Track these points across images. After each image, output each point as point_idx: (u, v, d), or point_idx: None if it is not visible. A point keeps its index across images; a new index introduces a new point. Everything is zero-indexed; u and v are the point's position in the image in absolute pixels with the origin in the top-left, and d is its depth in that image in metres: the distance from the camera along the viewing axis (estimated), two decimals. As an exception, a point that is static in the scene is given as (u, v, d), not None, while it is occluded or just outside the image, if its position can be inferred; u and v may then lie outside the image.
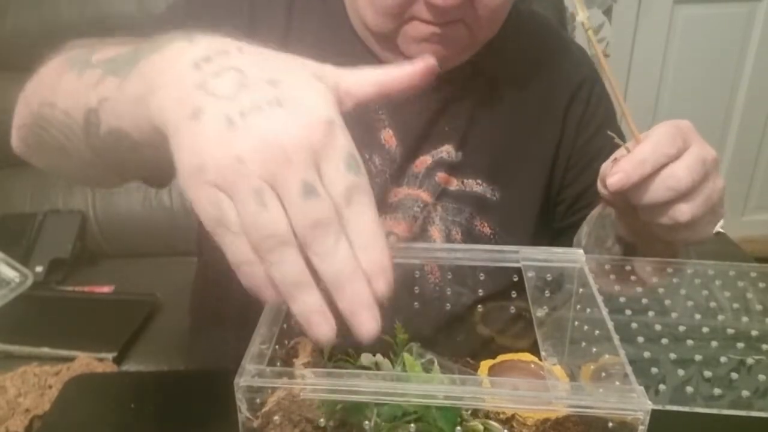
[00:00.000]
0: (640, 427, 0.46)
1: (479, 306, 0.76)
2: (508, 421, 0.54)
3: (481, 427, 0.53)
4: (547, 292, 0.62)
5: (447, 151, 0.88)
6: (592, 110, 0.94)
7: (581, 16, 0.66)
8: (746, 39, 2.22)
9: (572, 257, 0.63)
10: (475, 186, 0.88)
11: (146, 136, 0.48)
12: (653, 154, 0.63)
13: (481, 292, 0.74)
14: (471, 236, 0.87)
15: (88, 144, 0.57)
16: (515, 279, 0.64)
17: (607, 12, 2.10)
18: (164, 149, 0.44)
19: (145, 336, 1.29)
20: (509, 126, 0.90)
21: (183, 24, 0.64)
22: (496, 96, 0.90)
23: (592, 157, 0.92)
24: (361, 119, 0.85)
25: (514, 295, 0.67)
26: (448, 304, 0.79)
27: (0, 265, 1.35)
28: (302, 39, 0.86)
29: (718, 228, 1.24)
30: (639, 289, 0.70)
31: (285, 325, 0.58)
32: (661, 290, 0.71)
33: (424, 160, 0.87)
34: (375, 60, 0.86)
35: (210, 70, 0.44)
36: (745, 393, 0.62)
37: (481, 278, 0.72)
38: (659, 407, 0.51)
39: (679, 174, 0.62)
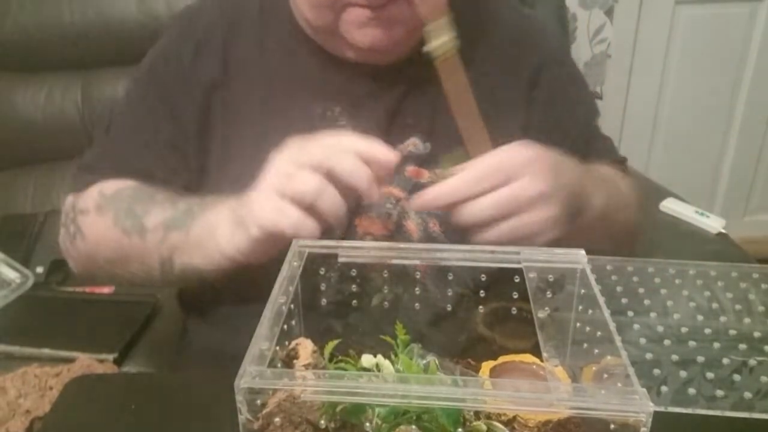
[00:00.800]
0: (642, 429, 0.46)
1: (481, 307, 0.76)
2: (509, 423, 0.54)
3: (484, 427, 0.52)
4: (548, 293, 0.62)
5: (414, 144, 0.88)
6: (557, 90, 0.94)
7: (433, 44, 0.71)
8: (748, 39, 2.21)
9: (574, 258, 0.63)
10: (448, 176, 0.88)
11: (214, 261, 0.75)
12: (457, 192, 0.70)
13: (482, 293, 0.74)
14: (449, 225, 0.86)
15: (163, 280, 0.82)
16: (516, 280, 0.64)
17: (609, 12, 2.09)
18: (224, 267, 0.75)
19: (145, 337, 1.28)
20: None
21: (148, 95, 0.90)
22: None
23: (561, 136, 0.92)
24: (323, 128, 0.84)
25: (515, 296, 0.67)
26: (449, 305, 0.79)
27: (0, 265, 1.35)
28: (245, 55, 0.89)
29: (720, 229, 1.24)
30: (641, 290, 0.70)
31: (285, 326, 0.57)
32: (663, 291, 0.71)
33: None
34: (326, 57, 0.87)
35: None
36: (748, 395, 0.62)
37: (483, 279, 0.72)
38: (661, 409, 0.51)
39: (478, 209, 0.70)
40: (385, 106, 0.88)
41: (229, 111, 0.88)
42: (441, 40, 0.73)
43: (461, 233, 0.85)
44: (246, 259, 0.73)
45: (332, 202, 0.66)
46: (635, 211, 0.94)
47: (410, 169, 0.87)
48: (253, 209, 0.68)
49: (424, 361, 0.60)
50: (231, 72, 0.88)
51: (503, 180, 0.69)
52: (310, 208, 0.66)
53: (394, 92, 0.88)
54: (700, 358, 0.65)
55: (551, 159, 0.74)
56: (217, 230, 0.73)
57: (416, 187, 0.86)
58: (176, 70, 0.89)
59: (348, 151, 0.67)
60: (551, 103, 0.94)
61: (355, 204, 0.85)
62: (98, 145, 0.95)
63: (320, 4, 0.79)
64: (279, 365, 0.58)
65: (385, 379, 0.52)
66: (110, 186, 0.87)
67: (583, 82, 1.01)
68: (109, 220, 0.84)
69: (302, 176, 0.66)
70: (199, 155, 0.88)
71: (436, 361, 0.63)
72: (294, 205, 0.66)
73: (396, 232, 0.87)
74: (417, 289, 0.74)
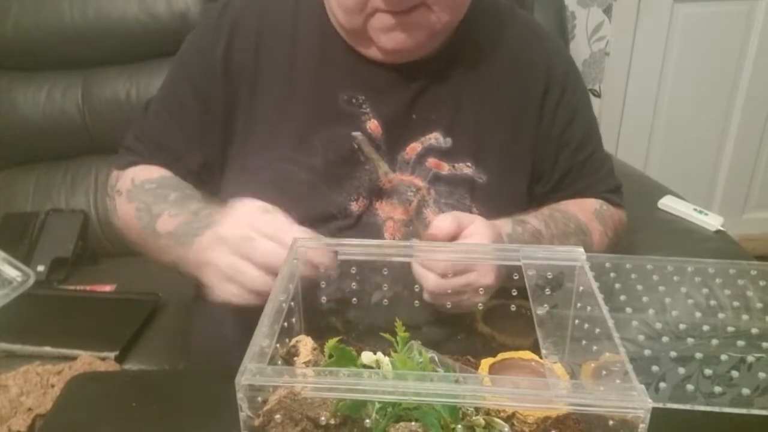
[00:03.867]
0: (641, 425, 0.46)
1: (480, 304, 0.76)
2: (508, 420, 0.54)
3: (482, 422, 0.53)
4: (547, 290, 0.63)
5: (435, 138, 0.93)
6: (566, 99, 0.98)
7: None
8: (746, 37, 2.21)
9: (572, 255, 0.63)
10: (465, 169, 0.93)
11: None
12: (441, 285, 0.74)
13: (481, 291, 0.74)
14: None
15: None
16: (515, 277, 0.65)
17: (607, 10, 2.09)
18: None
19: (146, 335, 1.28)
20: (491, 112, 0.95)
21: (187, 84, 0.97)
22: (476, 84, 0.95)
23: (565, 143, 0.98)
24: (347, 113, 0.91)
25: (514, 293, 0.68)
26: (448, 303, 0.79)
27: (2, 264, 1.35)
28: (276, 46, 0.94)
29: (718, 226, 1.24)
30: (640, 287, 0.71)
31: (286, 324, 0.58)
32: (661, 288, 0.71)
33: (414, 147, 0.92)
34: (355, 54, 0.92)
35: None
36: (746, 391, 0.62)
37: (482, 277, 0.73)
38: (660, 405, 0.51)
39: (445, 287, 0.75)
40: (406, 98, 0.92)
41: (255, 95, 0.93)
42: None
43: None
44: None
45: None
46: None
47: (431, 161, 0.92)
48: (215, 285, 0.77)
49: (421, 360, 0.60)
50: (261, 61, 0.93)
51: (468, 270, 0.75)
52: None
53: (415, 85, 0.93)
54: (699, 355, 0.66)
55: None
56: (205, 272, 0.80)
57: (436, 178, 0.92)
58: (207, 59, 0.94)
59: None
60: (560, 110, 0.98)
61: (378, 189, 0.91)
62: (136, 127, 1.02)
63: (351, 10, 0.85)
64: (279, 362, 0.58)
65: (384, 376, 0.53)
66: (141, 174, 0.95)
67: (588, 98, 1.05)
68: (133, 210, 0.92)
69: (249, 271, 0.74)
70: (223, 137, 0.94)
71: (436, 358, 0.63)
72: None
73: (415, 219, 0.91)
74: (416, 286, 0.74)
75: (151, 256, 0.93)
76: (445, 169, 0.92)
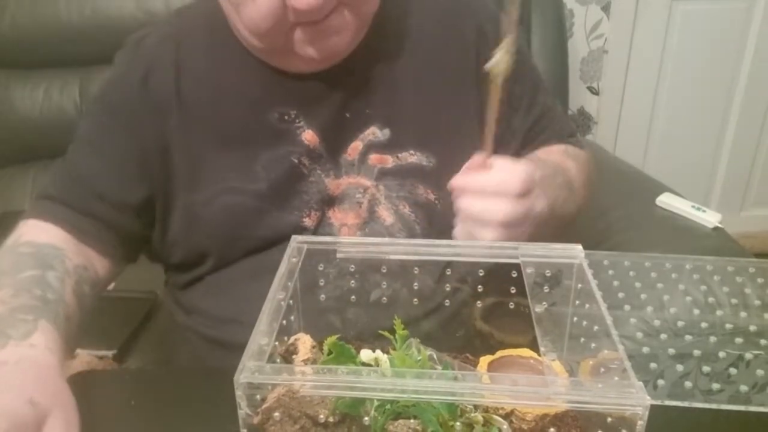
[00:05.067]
0: (639, 423, 0.46)
1: (478, 302, 0.76)
2: (507, 417, 0.54)
3: (480, 419, 0.53)
4: (545, 287, 0.63)
5: (373, 133, 0.90)
6: None
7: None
8: (744, 35, 2.21)
9: (571, 253, 0.63)
10: (410, 157, 0.90)
11: None
12: (465, 187, 0.76)
13: (480, 288, 0.74)
14: (418, 205, 0.89)
15: None
16: (514, 275, 0.65)
17: (606, 8, 2.09)
18: None
19: (145, 334, 1.28)
20: (427, 93, 0.92)
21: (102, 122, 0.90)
22: (407, 65, 0.92)
23: (516, 106, 0.96)
24: (282, 131, 0.88)
25: (513, 291, 0.68)
26: (447, 301, 0.79)
27: None
28: (196, 74, 0.89)
29: (716, 224, 1.25)
30: (638, 284, 0.71)
31: (284, 322, 0.58)
32: (659, 286, 0.71)
33: (356, 146, 0.90)
34: (276, 70, 0.88)
35: None
36: (744, 388, 0.62)
37: (480, 274, 0.73)
38: (658, 402, 0.51)
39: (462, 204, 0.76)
40: (338, 100, 0.90)
41: (187, 130, 0.89)
42: (498, 58, 0.73)
43: (428, 210, 0.90)
44: None
45: None
46: (582, 195, 0.96)
47: (373, 157, 0.90)
48: None
49: (419, 359, 0.60)
50: (183, 93, 0.89)
51: (522, 191, 0.74)
52: None
53: (344, 85, 0.90)
54: (697, 352, 0.66)
55: (534, 187, 0.77)
56: None
57: (382, 173, 0.90)
58: (127, 94, 0.89)
59: None
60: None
61: (328, 197, 0.89)
62: (57, 175, 0.94)
63: (267, 32, 0.80)
64: (278, 360, 0.58)
65: (383, 373, 0.53)
66: (26, 234, 0.90)
67: (526, 50, 1.03)
68: None
69: None
70: (162, 174, 0.89)
71: (435, 356, 0.63)
72: None
73: (369, 219, 0.89)
74: (415, 284, 0.74)
75: None
76: (389, 162, 0.90)
